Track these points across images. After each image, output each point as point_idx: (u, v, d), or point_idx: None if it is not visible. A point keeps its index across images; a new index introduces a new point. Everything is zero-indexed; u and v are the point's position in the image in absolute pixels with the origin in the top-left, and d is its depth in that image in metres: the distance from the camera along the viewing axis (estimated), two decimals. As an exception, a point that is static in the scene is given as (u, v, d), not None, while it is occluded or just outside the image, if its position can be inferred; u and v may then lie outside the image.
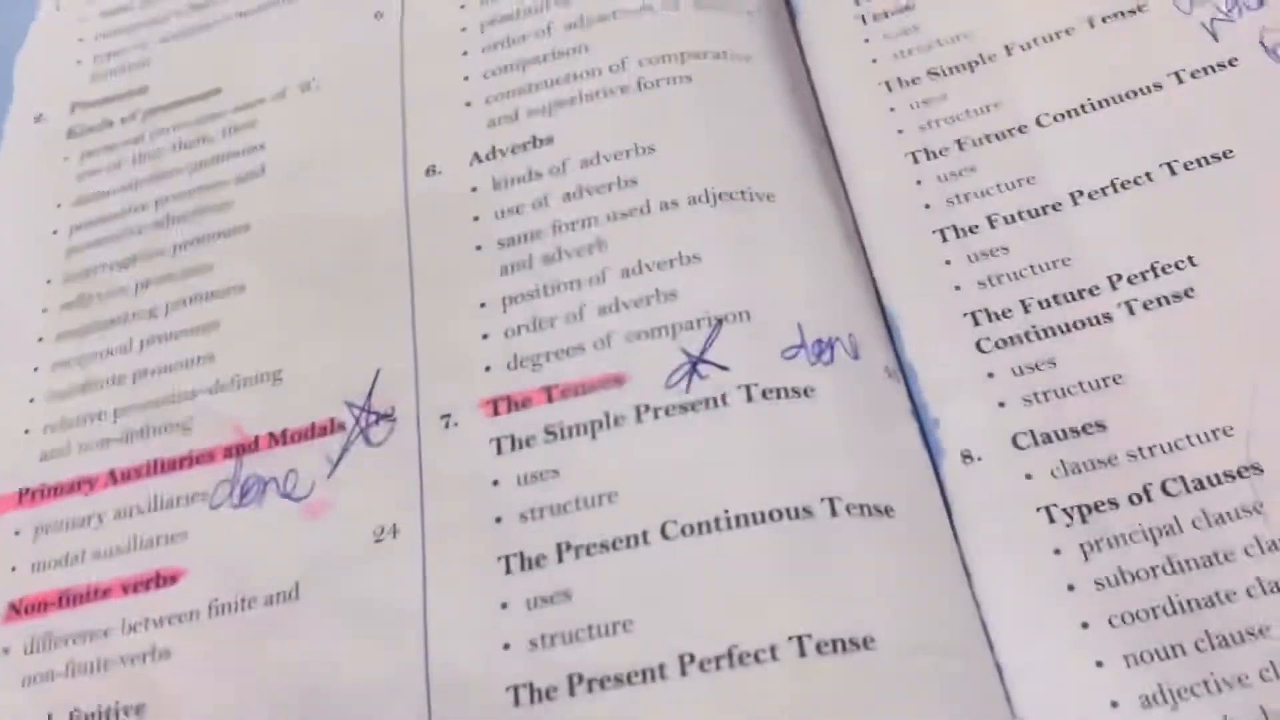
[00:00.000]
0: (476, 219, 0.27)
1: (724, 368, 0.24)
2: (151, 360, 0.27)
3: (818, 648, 0.21)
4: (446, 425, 0.24)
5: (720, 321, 0.24)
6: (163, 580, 0.25)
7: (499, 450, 0.24)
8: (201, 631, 0.24)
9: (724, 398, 0.23)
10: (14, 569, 0.25)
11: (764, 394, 0.23)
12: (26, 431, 0.27)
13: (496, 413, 0.24)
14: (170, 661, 0.24)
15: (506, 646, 0.22)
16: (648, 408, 0.24)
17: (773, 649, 0.21)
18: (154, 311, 0.28)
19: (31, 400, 0.27)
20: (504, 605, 0.22)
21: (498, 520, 0.23)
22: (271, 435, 0.25)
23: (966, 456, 0.24)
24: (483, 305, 0.26)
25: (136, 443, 0.26)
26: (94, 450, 0.26)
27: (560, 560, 0.22)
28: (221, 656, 0.23)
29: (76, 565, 0.25)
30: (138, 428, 0.26)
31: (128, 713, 0.23)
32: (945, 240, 0.26)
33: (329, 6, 0.31)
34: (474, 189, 0.27)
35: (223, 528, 0.25)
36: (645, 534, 0.22)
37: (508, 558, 0.23)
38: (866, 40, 0.29)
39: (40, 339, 0.28)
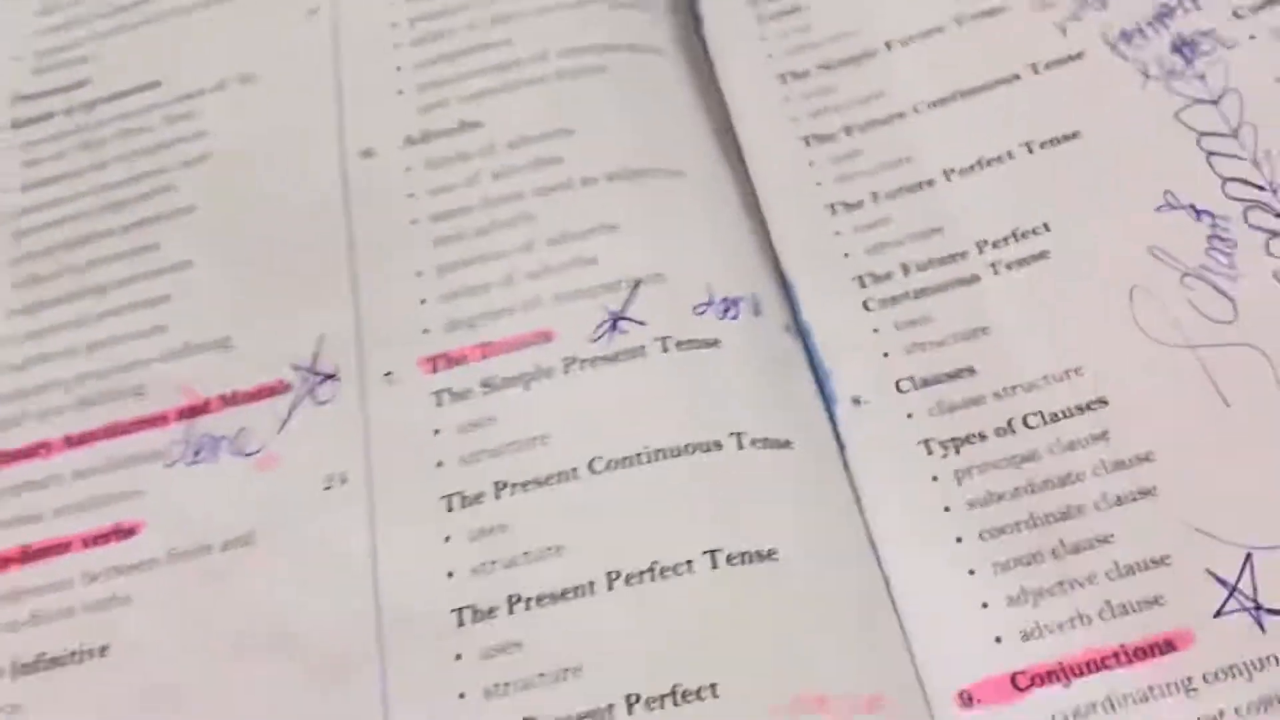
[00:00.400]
0: (412, 196, 0.29)
1: (641, 323, 0.26)
2: (103, 333, 0.29)
3: (728, 559, 0.23)
4: (389, 382, 0.27)
5: (638, 283, 0.27)
6: (121, 533, 0.26)
7: (439, 403, 0.26)
8: (161, 578, 0.25)
9: (642, 349, 0.26)
10: (-26, 529, 0.27)
11: (678, 345, 0.26)
12: (-19, 402, 0.28)
13: (435, 370, 0.27)
14: (131, 606, 0.25)
15: (450, 575, 0.24)
16: (574, 360, 0.26)
17: (689, 563, 0.23)
18: (104, 288, 0.29)
19: (-16, 373, 0.29)
20: (447, 539, 0.25)
21: (439, 465, 0.25)
22: (222, 397, 0.27)
23: (856, 400, 0.26)
24: (419, 274, 0.28)
25: (90, 409, 0.28)
26: (50, 417, 0.28)
27: (497, 497, 0.25)
28: (181, 599, 0.25)
29: (36, 524, 0.26)
30: (92, 395, 0.28)
31: (92, 654, 0.25)
32: (834, 214, 0.29)
33: (263, 3, 0.33)
34: (408, 169, 0.29)
35: (178, 483, 0.26)
36: (575, 469, 0.25)
37: (449, 497, 0.25)
38: (763, 39, 0.32)
39: (-10, 317, 0.30)
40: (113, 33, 0.34)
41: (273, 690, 0.24)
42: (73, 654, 0.25)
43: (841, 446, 0.26)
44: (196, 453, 0.27)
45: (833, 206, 0.29)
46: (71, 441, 0.27)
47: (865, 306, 0.28)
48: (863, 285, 0.28)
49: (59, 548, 0.26)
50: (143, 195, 0.31)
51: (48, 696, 0.25)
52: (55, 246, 0.30)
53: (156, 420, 0.27)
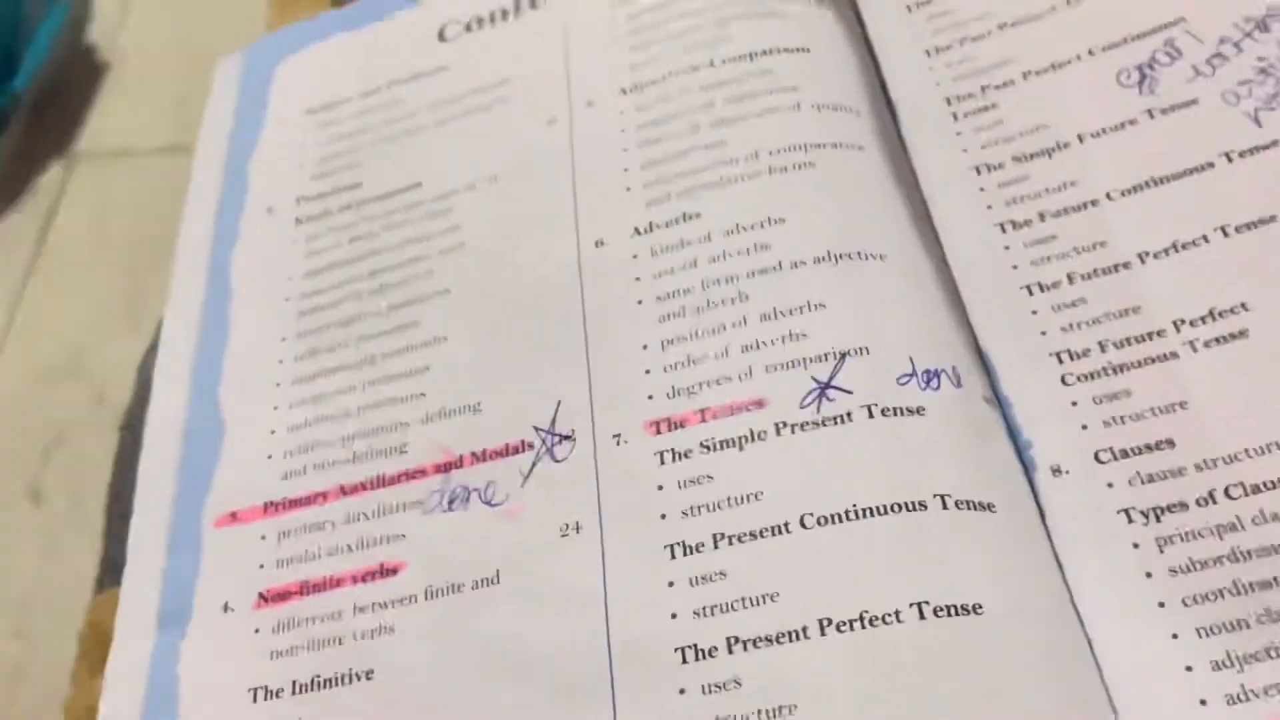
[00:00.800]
0: (638, 279, 0.32)
1: (848, 392, 0.29)
2: (372, 398, 0.33)
3: (934, 612, 0.25)
4: (618, 443, 0.30)
5: (844, 355, 0.29)
6: (386, 572, 0.30)
7: (662, 462, 0.29)
8: (420, 612, 0.29)
9: (849, 415, 0.28)
10: (261, 566, 0.31)
11: (883, 412, 0.28)
12: (269, 457, 0.33)
13: (659, 432, 0.30)
14: (394, 636, 0.29)
15: (674, 616, 0.27)
16: (785, 424, 0.29)
17: (897, 613, 0.25)
18: (373, 359, 0.34)
19: (273, 432, 0.33)
20: (671, 584, 0.27)
21: (663, 517, 0.28)
22: (473, 454, 0.31)
23: (1056, 470, 0.28)
24: (645, 347, 0.31)
25: (361, 463, 0.32)
26: (326, 470, 0.32)
27: (716, 547, 0.27)
28: (437, 631, 0.28)
29: (314, 561, 0.31)
30: (362, 451, 0.32)
31: (359, 677, 0.28)
32: (1031, 294, 0.31)
33: (510, 116, 0.37)
34: (635, 256, 0.33)
35: (435, 529, 0.30)
36: (787, 524, 0.27)
37: (672, 546, 0.28)
38: (958, 134, 0.34)
39: (278, 384, 0.34)
40: (381, 143, 0.39)
41: (517, 713, 0.27)
42: (344, 677, 0.29)
43: (1042, 512, 0.27)
44: (451, 502, 0.30)
45: (1029, 287, 0.31)
46: (344, 491, 0.32)
47: (1063, 381, 0.29)
48: (1060, 361, 0.29)
49: (332, 583, 0.30)
50: (406, 279, 0.35)
51: (322, 713, 0.28)
52: (332, 323, 0.35)
53: (416, 474, 0.31)
